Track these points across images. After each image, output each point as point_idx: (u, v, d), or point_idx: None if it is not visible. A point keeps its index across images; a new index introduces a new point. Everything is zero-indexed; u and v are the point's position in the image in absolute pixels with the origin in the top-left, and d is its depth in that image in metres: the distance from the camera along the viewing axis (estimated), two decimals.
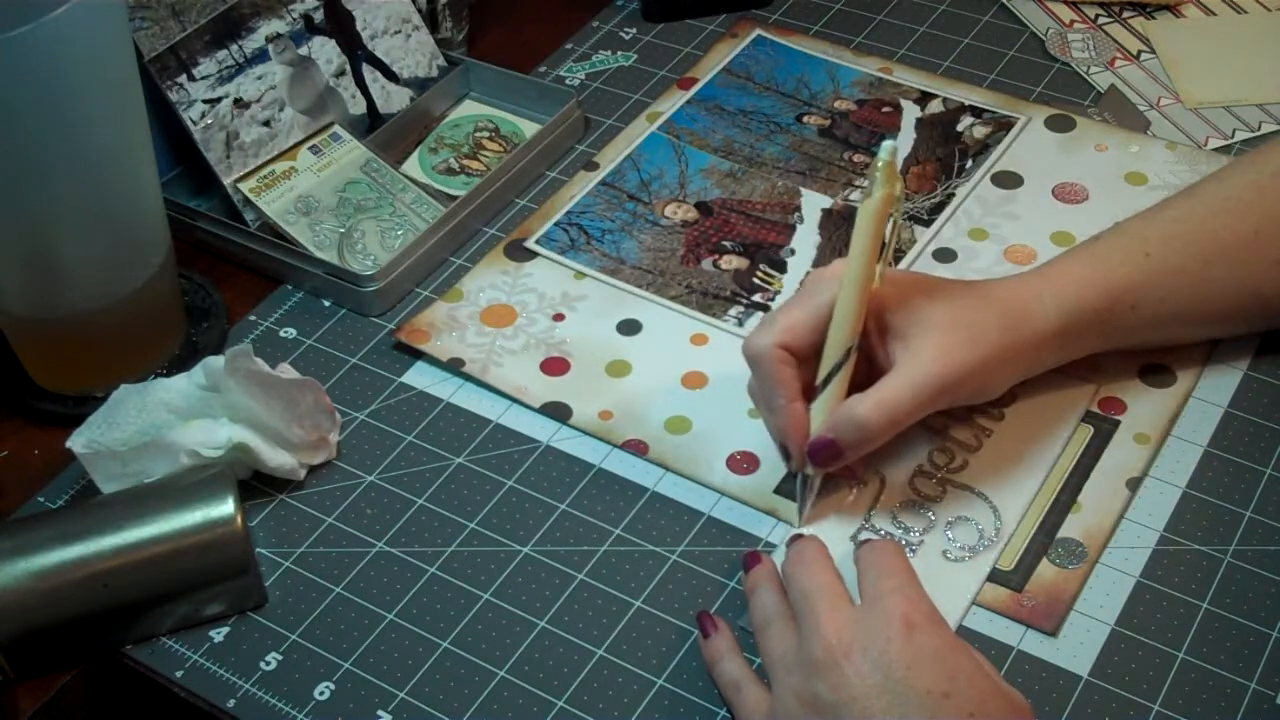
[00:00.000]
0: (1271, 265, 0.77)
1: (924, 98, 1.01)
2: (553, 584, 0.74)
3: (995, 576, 0.72)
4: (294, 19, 0.97)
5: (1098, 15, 1.09)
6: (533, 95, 1.03)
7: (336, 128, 0.97)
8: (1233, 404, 0.80)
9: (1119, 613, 0.71)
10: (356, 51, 1.00)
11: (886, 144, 0.70)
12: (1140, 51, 1.05)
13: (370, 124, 1.00)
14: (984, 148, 0.97)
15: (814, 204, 0.94)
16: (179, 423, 0.76)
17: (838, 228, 0.92)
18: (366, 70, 1.00)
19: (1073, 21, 1.08)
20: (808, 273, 0.86)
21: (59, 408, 0.84)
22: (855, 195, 0.94)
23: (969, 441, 0.78)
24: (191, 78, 0.92)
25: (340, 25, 0.99)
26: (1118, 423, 0.80)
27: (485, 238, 0.94)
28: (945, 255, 0.90)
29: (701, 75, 1.05)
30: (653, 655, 0.71)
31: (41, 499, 0.80)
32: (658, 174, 0.97)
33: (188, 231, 0.93)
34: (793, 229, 0.92)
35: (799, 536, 0.70)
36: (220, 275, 0.92)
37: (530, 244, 0.92)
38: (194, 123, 0.92)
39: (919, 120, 1.00)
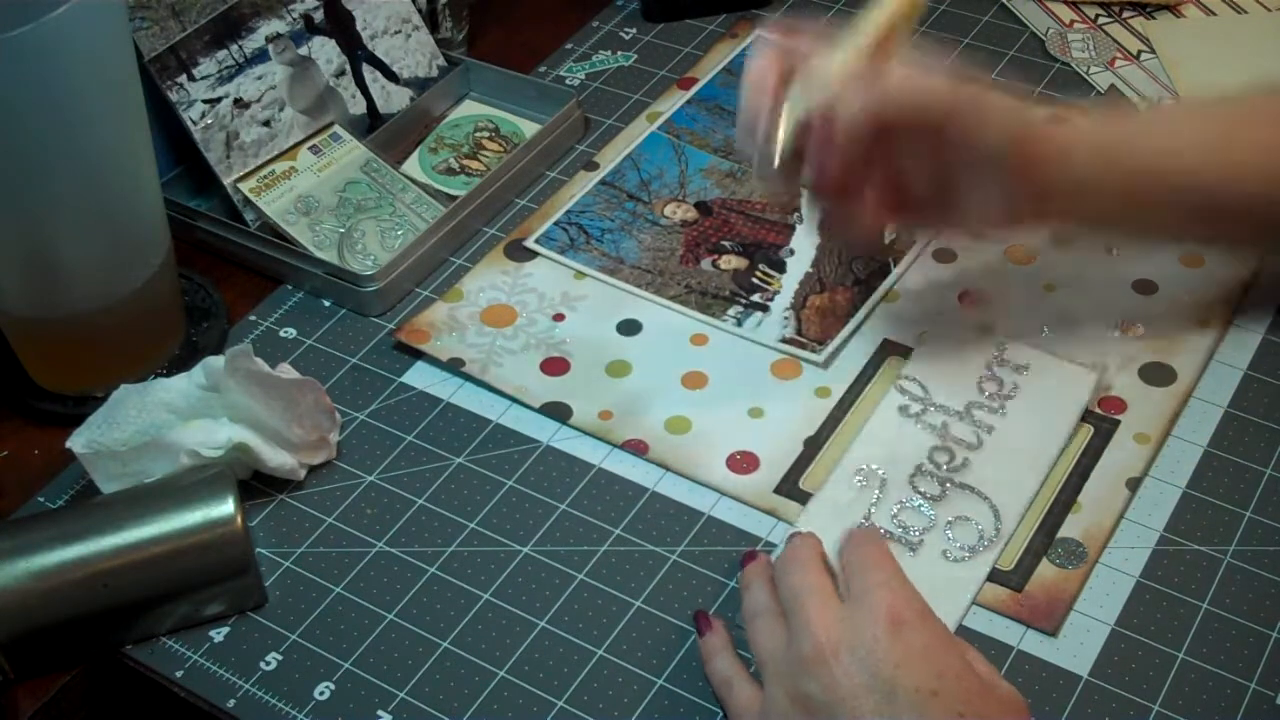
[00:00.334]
0: None
1: None
2: (553, 584, 0.74)
3: (995, 576, 0.72)
4: (294, 19, 0.97)
5: (1098, 15, 1.09)
6: (533, 95, 1.03)
7: (336, 128, 0.97)
8: (1233, 404, 0.80)
9: (1119, 613, 0.71)
10: (356, 51, 1.00)
11: None
12: (1140, 51, 1.05)
13: (370, 124, 1.00)
14: None
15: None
16: (179, 423, 0.76)
17: None
18: (366, 70, 1.00)
19: (1073, 21, 1.08)
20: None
21: (59, 408, 0.84)
22: None
23: (969, 439, 0.78)
24: (191, 78, 0.92)
25: (340, 25, 0.99)
26: (1118, 422, 0.80)
27: (485, 238, 0.94)
28: (945, 255, 0.90)
29: (701, 75, 1.05)
30: (653, 655, 0.71)
31: (41, 499, 0.80)
32: (657, 174, 0.97)
33: (188, 231, 0.93)
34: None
35: (795, 535, 0.70)
36: (220, 275, 0.92)
37: (530, 243, 0.92)
38: (194, 123, 0.92)
39: None
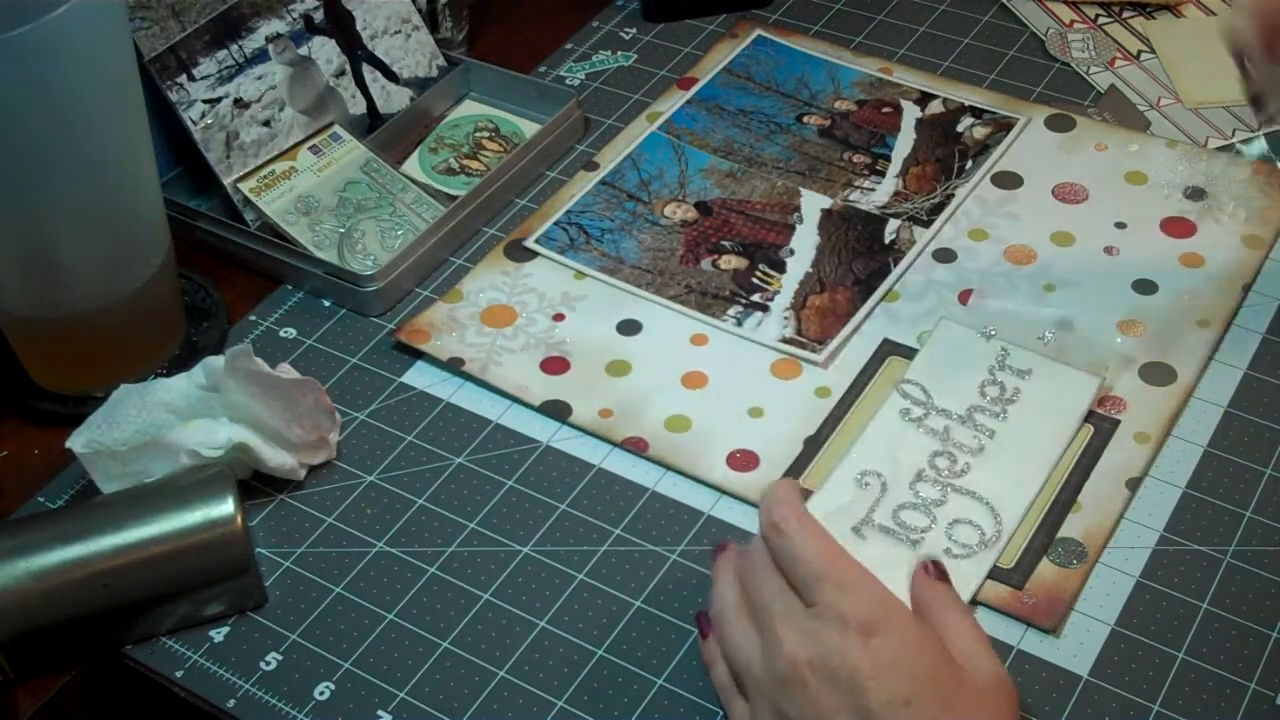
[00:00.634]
0: None
1: (924, 98, 1.01)
2: (553, 584, 0.74)
3: (995, 574, 0.72)
4: (294, 19, 0.97)
5: (1098, 15, 1.09)
6: (533, 95, 1.03)
7: (336, 128, 0.97)
8: (1233, 404, 0.80)
9: (1119, 613, 0.71)
10: (356, 51, 1.00)
11: None
12: (1140, 51, 1.05)
13: (370, 124, 1.00)
14: (984, 148, 0.97)
15: (814, 204, 0.94)
16: (179, 423, 0.76)
17: (837, 228, 0.92)
18: (366, 70, 1.00)
19: (1073, 21, 1.08)
20: None
21: (59, 408, 0.84)
22: (854, 195, 0.94)
23: (970, 444, 0.78)
24: (191, 78, 0.92)
25: (340, 25, 0.99)
26: (1118, 422, 0.80)
27: (485, 238, 0.94)
28: (945, 255, 0.90)
29: (701, 75, 1.05)
30: (653, 655, 0.71)
31: (41, 499, 0.80)
32: (657, 174, 0.97)
33: (188, 231, 0.93)
34: (792, 229, 0.92)
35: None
36: (220, 275, 0.92)
37: (530, 243, 0.92)
38: (194, 123, 0.92)
39: (919, 121, 1.00)
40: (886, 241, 0.91)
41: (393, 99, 1.01)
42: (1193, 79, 1.02)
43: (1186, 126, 0.98)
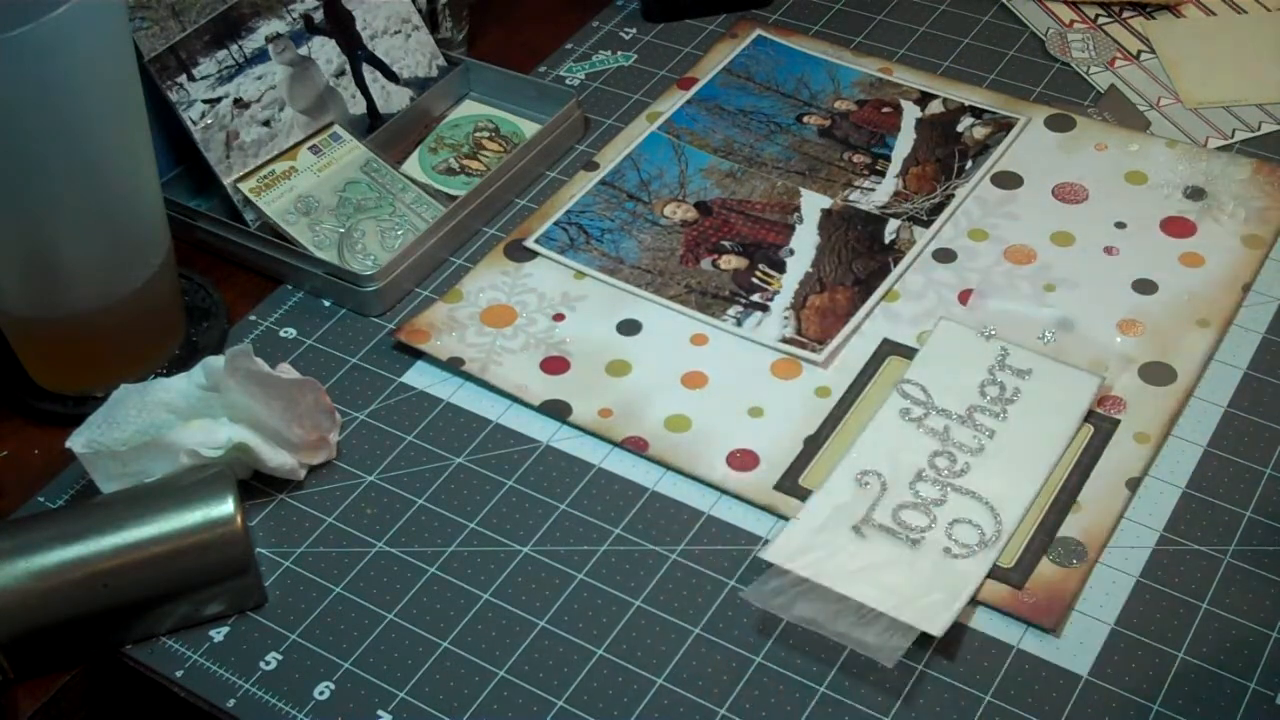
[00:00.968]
0: None
1: (924, 98, 1.01)
2: (553, 584, 0.74)
3: (995, 573, 0.72)
4: (294, 19, 0.97)
5: (1098, 15, 1.09)
6: (533, 95, 1.03)
7: (336, 128, 0.97)
8: (1233, 404, 0.80)
9: (1119, 612, 0.71)
10: (356, 51, 1.00)
11: None
12: (1140, 51, 1.05)
13: (370, 124, 1.00)
14: (984, 148, 0.97)
15: (813, 204, 0.94)
16: (179, 423, 0.76)
17: (837, 228, 0.92)
18: (366, 70, 1.00)
19: (1073, 21, 1.08)
20: None
21: (59, 408, 0.84)
22: (854, 195, 0.94)
23: (970, 444, 0.78)
24: (191, 78, 0.92)
25: (340, 25, 0.99)
26: (1118, 422, 0.80)
27: (485, 238, 0.94)
28: (945, 255, 0.90)
29: (701, 75, 1.05)
30: (653, 655, 0.71)
31: (41, 499, 0.80)
32: (657, 174, 0.97)
33: (188, 231, 0.93)
34: (792, 229, 0.92)
35: None
36: (220, 275, 0.92)
37: (530, 243, 0.92)
38: (194, 123, 0.92)
39: (919, 120, 1.00)
40: (886, 241, 0.91)
41: (393, 99, 1.01)
42: (1193, 79, 1.02)
43: (1186, 126, 0.98)
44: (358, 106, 1.00)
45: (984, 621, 0.71)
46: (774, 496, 0.77)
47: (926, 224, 0.92)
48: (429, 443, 0.82)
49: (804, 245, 0.91)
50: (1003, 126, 0.98)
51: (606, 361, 0.85)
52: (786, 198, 0.95)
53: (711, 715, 0.68)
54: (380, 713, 0.69)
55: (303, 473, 0.79)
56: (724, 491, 0.78)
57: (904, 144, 0.98)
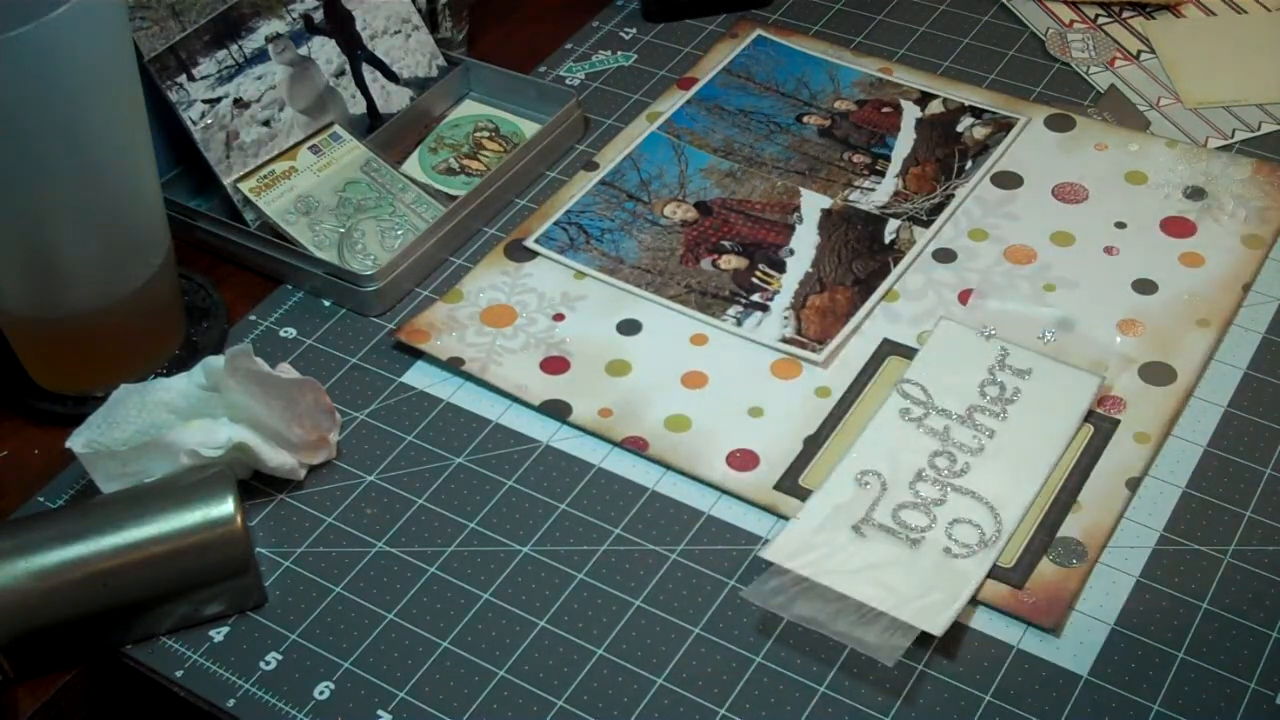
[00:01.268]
0: None
1: (924, 98, 1.01)
2: (553, 584, 0.74)
3: (995, 573, 0.72)
4: (294, 19, 0.97)
5: (1098, 15, 1.09)
6: (533, 95, 1.03)
7: (336, 128, 0.97)
8: (1233, 404, 0.80)
9: (1119, 612, 0.71)
10: (356, 51, 1.00)
11: None
12: (1140, 51, 1.05)
13: (370, 124, 1.00)
14: (984, 148, 0.97)
15: (813, 204, 0.94)
16: (179, 423, 0.76)
17: (837, 228, 0.92)
18: (366, 70, 1.00)
19: (1073, 21, 1.08)
20: None
21: (59, 408, 0.84)
22: (854, 195, 0.94)
23: (970, 444, 0.78)
24: (191, 78, 0.92)
25: (340, 25, 0.99)
26: (1118, 422, 0.80)
27: (485, 238, 0.94)
28: (945, 256, 0.90)
29: (701, 75, 1.05)
30: (653, 655, 0.71)
31: (41, 499, 0.80)
32: (657, 174, 0.97)
33: (188, 231, 0.93)
34: (792, 229, 0.92)
35: None
36: (220, 275, 0.92)
37: (530, 243, 0.92)
38: (194, 123, 0.92)
39: (919, 120, 1.00)
40: (886, 241, 0.91)
41: (393, 99, 1.01)
42: (1193, 79, 1.02)
43: (1186, 126, 0.98)
44: (358, 106, 1.00)
45: (984, 621, 0.71)
46: (774, 496, 0.77)
47: (926, 224, 0.92)
48: (429, 443, 0.82)
49: (804, 245, 0.91)
50: (1003, 126, 0.98)
51: (606, 361, 0.85)
52: (786, 198, 0.95)
53: (711, 715, 0.68)
54: (380, 713, 0.69)
55: (303, 473, 0.79)
56: (724, 491, 0.78)
57: (904, 144, 0.98)
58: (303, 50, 0.97)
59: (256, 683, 0.71)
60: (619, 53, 1.08)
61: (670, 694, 0.69)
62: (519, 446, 0.81)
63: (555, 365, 0.85)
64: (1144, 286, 0.87)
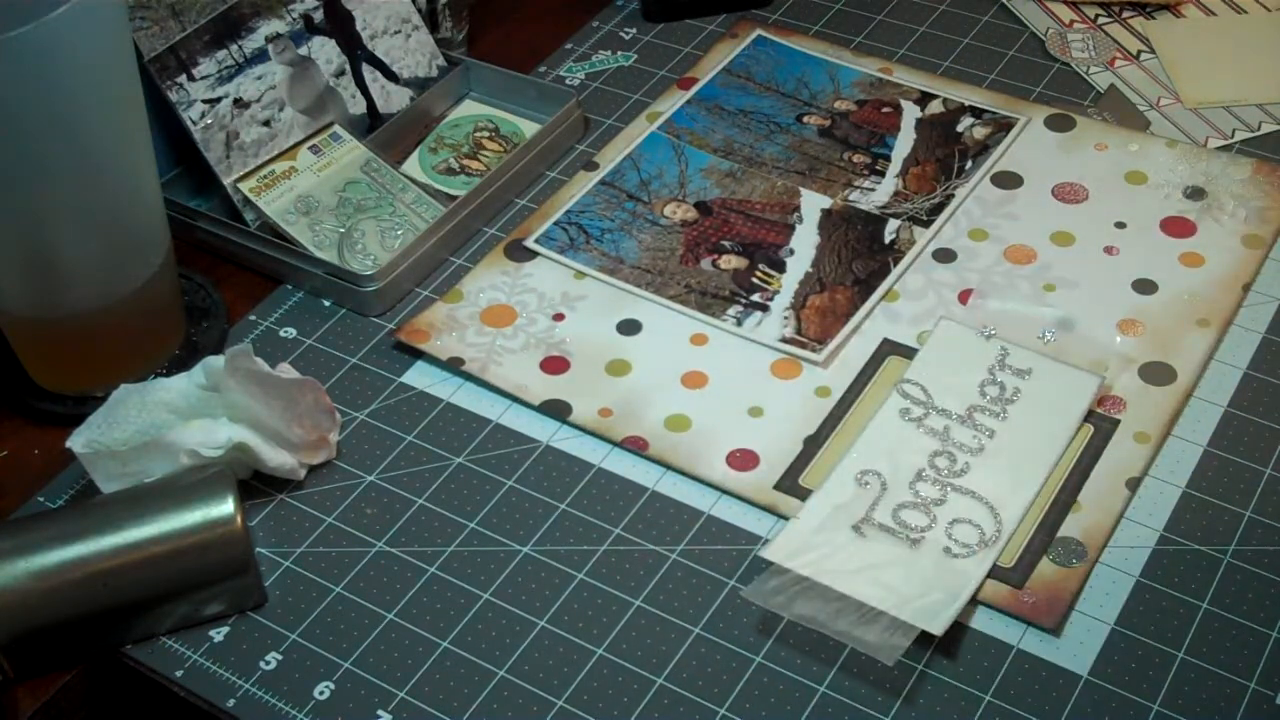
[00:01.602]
0: None
1: (924, 98, 1.01)
2: (553, 584, 0.74)
3: (995, 574, 0.72)
4: (294, 19, 0.97)
5: (1098, 15, 1.09)
6: (533, 95, 1.03)
7: (336, 128, 0.97)
8: (1233, 404, 0.80)
9: (1119, 612, 0.71)
10: (356, 51, 1.00)
11: None
12: (1140, 51, 1.05)
13: (370, 124, 1.00)
14: (984, 148, 0.97)
15: (813, 204, 0.94)
16: (179, 423, 0.76)
17: (837, 228, 0.92)
18: (366, 70, 1.00)
19: (1073, 21, 1.08)
20: None
21: (59, 408, 0.84)
22: (854, 195, 0.94)
23: (970, 443, 0.78)
24: (191, 78, 0.92)
25: (340, 25, 0.99)
26: (1118, 422, 0.80)
27: (485, 238, 0.94)
28: (945, 255, 0.90)
29: (701, 75, 1.05)
30: (653, 655, 0.71)
31: (41, 499, 0.80)
32: (657, 174, 0.97)
33: (188, 231, 0.93)
34: (792, 229, 0.92)
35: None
36: (220, 275, 0.92)
37: (529, 243, 0.92)
38: (194, 123, 0.92)
39: (919, 120, 1.00)
40: (886, 241, 0.91)
41: (393, 99, 1.01)
42: (1193, 79, 1.02)
43: (1186, 126, 0.98)
44: (358, 106, 1.00)
45: (984, 621, 0.71)
46: (774, 496, 0.77)
47: (926, 224, 0.92)
48: (429, 443, 0.82)
49: (804, 245, 0.91)
50: (1003, 126, 0.98)
51: (606, 361, 0.85)
52: (786, 198, 0.95)
53: (711, 715, 0.68)
54: (380, 713, 0.69)
55: (303, 473, 0.79)
56: (724, 491, 0.78)
57: (904, 144, 0.98)
58: (303, 50, 0.97)
59: (256, 683, 0.71)
60: (619, 53, 1.08)
61: (670, 694, 0.69)
62: (519, 446, 0.81)
63: (555, 365, 0.85)
64: (1144, 286, 0.87)
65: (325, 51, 0.98)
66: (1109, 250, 0.90)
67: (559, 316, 0.88)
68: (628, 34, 1.10)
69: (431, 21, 1.05)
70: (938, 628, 0.69)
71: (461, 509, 0.78)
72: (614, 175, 0.97)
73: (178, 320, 0.87)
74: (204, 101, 0.92)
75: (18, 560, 0.70)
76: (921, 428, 0.79)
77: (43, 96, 0.71)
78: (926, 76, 1.04)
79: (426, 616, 0.73)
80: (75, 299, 0.80)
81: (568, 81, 1.06)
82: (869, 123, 1.00)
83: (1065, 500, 0.76)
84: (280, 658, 0.72)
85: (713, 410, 0.82)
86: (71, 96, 0.72)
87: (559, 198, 0.96)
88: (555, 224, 0.94)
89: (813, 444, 0.80)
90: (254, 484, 0.79)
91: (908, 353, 0.84)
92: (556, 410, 0.82)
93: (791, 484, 0.77)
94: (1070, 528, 0.74)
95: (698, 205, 0.94)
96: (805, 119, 1.00)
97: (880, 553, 0.73)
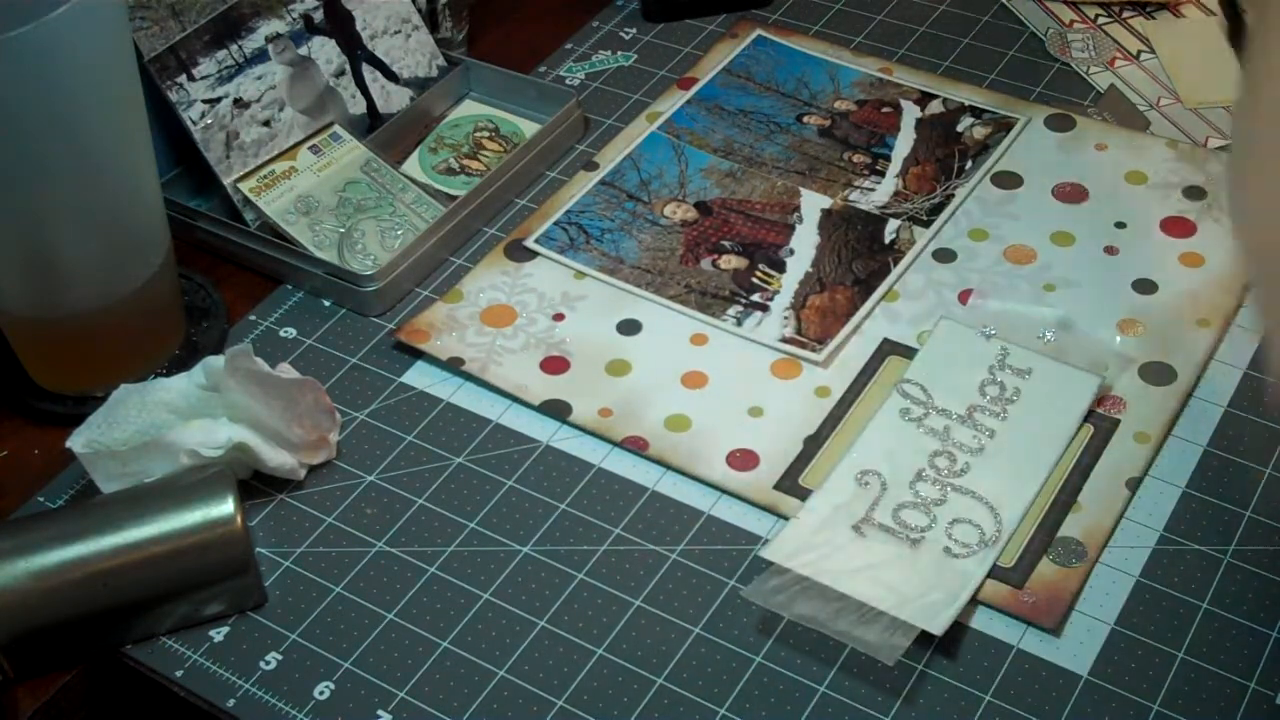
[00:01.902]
0: None
1: (924, 98, 1.01)
2: (553, 584, 0.74)
3: (995, 574, 0.72)
4: (294, 19, 0.97)
5: (1098, 15, 1.09)
6: (533, 95, 1.03)
7: (336, 128, 0.97)
8: (1233, 404, 0.80)
9: (1119, 612, 0.71)
10: (356, 51, 1.00)
11: None
12: (1140, 51, 1.05)
13: (370, 124, 1.00)
14: (984, 148, 0.97)
15: (813, 204, 0.94)
16: (179, 423, 0.76)
17: (837, 228, 0.92)
18: (366, 70, 1.00)
19: (1073, 21, 1.08)
20: None
21: (59, 408, 0.84)
22: (854, 195, 0.94)
23: (970, 444, 0.78)
24: (191, 78, 0.92)
25: (340, 25, 0.99)
26: (1118, 422, 0.80)
27: (485, 238, 0.94)
28: (945, 256, 0.90)
29: (701, 75, 1.05)
30: (653, 655, 0.71)
31: (41, 499, 0.80)
32: (657, 174, 0.97)
33: (188, 231, 0.93)
34: (792, 229, 0.92)
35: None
36: (220, 275, 0.92)
37: (529, 243, 0.92)
38: (194, 123, 0.92)
39: (919, 120, 1.00)
40: (886, 241, 0.91)
41: (393, 99, 1.01)
42: (1192, 79, 1.02)
43: (1186, 126, 0.98)
44: (358, 106, 1.00)
45: (984, 621, 0.71)
46: (774, 496, 0.77)
47: (926, 224, 0.92)
48: (429, 443, 0.82)
49: (804, 245, 0.91)
50: (1003, 126, 0.98)
51: (606, 361, 0.85)
52: (786, 198, 0.95)
53: (711, 715, 0.68)
54: (380, 713, 0.69)
55: (303, 473, 0.79)
56: (724, 491, 0.78)
57: (904, 144, 0.98)
58: (303, 50, 0.97)
59: (256, 683, 0.71)
60: (619, 53, 1.08)
61: (670, 694, 0.69)
62: (519, 446, 0.81)
63: (555, 365, 0.85)
64: (1144, 286, 0.87)
65: (325, 51, 0.98)
66: (1109, 250, 0.90)
67: (559, 316, 0.88)
68: (628, 34, 1.10)
69: (431, 21, 1.05)
70: (938, 628, 0.69)
71: (461, 509, 0.78)
72: (614, 175, 0.97)
73: (178, 320, 0.87)
74: (204, 101, 0.92)
75: (18, 560, 0.70)
76: (921, 428, 0.79)
77: (43, 96, 0.71)
78: (926, 76, 1.04)
79: (426, 616, 0.73)
80: (75, 299, 0.80)
81: (568, 81, 1.06)
82: (869, 123, 1.00)
83: (1065, 500, 0.76)
84: (280, 658, 0.72)
85: (713, 410, 0.82)
86: (71, 96, 0.72)
87: (559, 198, 0.96)
88: (555, 224, 0.94)
89: (813, 444, 0.80)
90: (254, 484, 0.79)
91: (908, 353, 0.84)
92: (556, 410, 0.82)
93: (791, 484, 0.77)
94: (1070, 528, 0.74)
95: (698, 205, 0.94)
96: (805, 119, 1.00)
97: (880, 552, 0.73)
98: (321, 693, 0.70)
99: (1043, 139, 0.98)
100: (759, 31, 1.08)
